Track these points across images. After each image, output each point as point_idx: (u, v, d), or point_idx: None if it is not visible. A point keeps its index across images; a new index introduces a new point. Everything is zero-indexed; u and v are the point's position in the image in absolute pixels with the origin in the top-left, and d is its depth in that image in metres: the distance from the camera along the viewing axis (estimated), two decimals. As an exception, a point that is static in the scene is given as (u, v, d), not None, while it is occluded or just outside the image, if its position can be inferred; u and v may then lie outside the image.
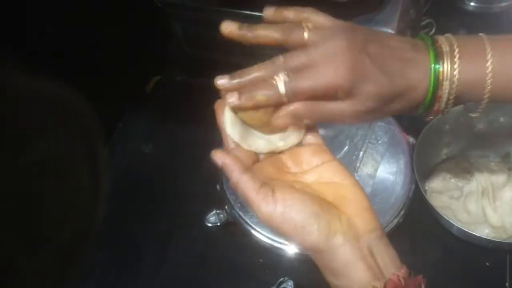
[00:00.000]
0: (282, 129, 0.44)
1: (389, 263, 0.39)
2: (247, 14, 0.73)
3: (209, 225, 0.66)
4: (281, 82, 0.41)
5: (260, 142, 0.44)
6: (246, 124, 0.44)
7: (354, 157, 0.69)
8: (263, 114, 0.43)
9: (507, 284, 0.60)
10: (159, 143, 0.79)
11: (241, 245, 0.66)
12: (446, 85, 0.42)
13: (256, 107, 0.42)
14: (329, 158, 0.44)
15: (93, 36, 0.69)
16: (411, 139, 0.70)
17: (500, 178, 0.66)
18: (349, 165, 0.68)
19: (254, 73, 0.43)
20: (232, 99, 0.42)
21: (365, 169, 0.68)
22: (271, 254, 0.64)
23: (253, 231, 0.65)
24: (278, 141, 0.45)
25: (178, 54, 0.88)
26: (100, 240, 0.65)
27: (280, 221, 0.39)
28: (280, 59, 0.42)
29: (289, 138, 0.44)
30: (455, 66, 0.42)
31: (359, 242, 0.39)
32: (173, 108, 0.82)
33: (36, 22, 0.59)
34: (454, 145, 0.71)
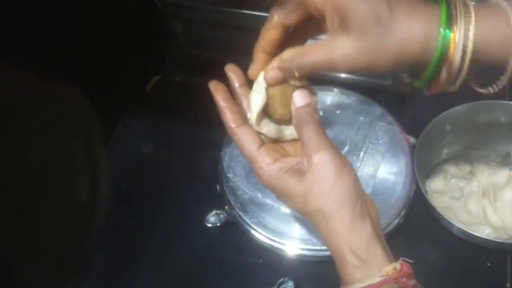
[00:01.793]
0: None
1: (389, 250, 0.41)
2: (247, 14, 0.73)
3: (209, 225, 0.66)
4: None
5: (271, 128, 0.45)
6: (264, 109, 0.45)
7: (354, 157, 0.69)
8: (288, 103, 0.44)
9: (508, 284, 0.60)
10: (159, 143, 0.79)
11: (241, 245, 0.66)
12: (459, 41, 0.37)
13: None
14: None
15: (93, 36, 0.69)
16: (412, 139, 0.69)
17: (501, 178, 0.66)
18: (350, 165, 0.68)
19: None
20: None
21: (366, 169, 0.68)
22: (271, 254, 0.64)
23: (253, 231, 0.64)
24: (285, 130, 0.46)
25: (178, 54, 0.88)
26: (100, 240, 0.65)
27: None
28: None
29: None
30: (471, 22, 0.37)
31: (375, 223, 0.41)
32: (173, 108, 0.82)
33: (36, 22, 0.59)
34: (454, 145, 0.70)
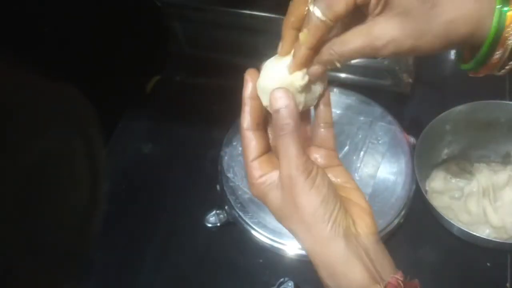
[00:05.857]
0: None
1: (387, 266, 0.38)
2: (247, 14, 0.73)
3: (209, 225, 0.66)
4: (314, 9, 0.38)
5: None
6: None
7: (354, 157, 0.69)
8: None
9: (508, 284, 0.60)
10: (159, 143, 0.79)
11: (241, 245, 0.66)
12: None
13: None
14: (337, 163, 0.43)
15: (93, 36, 0.69)
16: (412, 139, 0.70)
17: (501, 178, 0.66)
18: (350, 165, 0.68)
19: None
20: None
21: (366, 170, 0.68)
22: (271, 254, 0.64)
23: (253, 232, 0.64)
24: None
25: (178, 54, 0.88)
26: (100, 240, 0.65)
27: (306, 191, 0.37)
28: None
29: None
30: None
31: (357, 241, 0.38)
32: (173, 108, 0.82)
33: (36, 22, 0.59)
34: (454, 145, 0.70)
